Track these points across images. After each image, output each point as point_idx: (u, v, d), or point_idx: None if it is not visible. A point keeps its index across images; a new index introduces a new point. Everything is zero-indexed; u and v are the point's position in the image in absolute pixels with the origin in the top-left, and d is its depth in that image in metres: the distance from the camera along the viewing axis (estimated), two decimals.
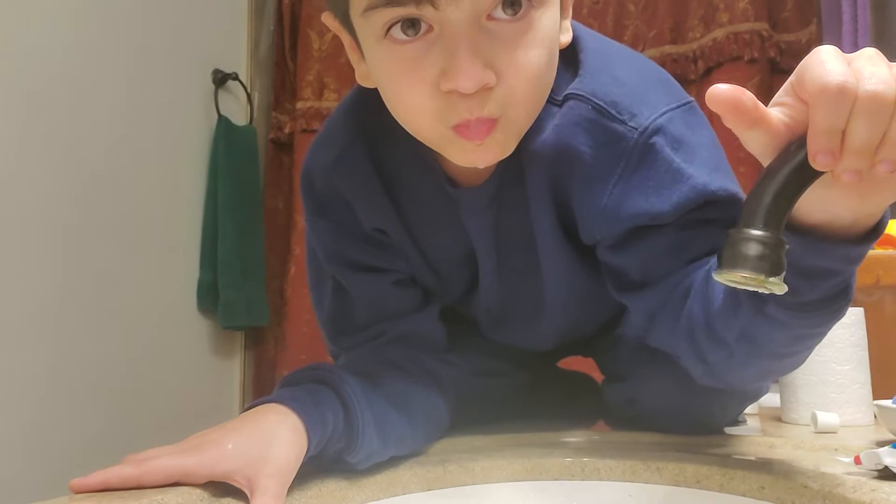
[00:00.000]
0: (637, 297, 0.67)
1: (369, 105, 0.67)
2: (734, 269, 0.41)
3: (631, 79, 0.65)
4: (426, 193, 0.71)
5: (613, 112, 0.63)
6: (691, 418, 0.76)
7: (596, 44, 0.68)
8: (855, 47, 1.49)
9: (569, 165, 0.65)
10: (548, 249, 0.71)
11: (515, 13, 0.54)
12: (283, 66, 2.23)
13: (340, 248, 0.76)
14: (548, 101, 0.62)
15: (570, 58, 0.66)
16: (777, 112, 0.43)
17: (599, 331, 0.87)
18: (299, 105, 2.15)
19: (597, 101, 0.63)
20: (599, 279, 0.71)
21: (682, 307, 0.63)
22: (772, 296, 0.51)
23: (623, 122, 0.63)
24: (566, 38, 0.62)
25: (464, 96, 0.53)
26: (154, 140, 1.79)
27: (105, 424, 1.57)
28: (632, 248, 0.65)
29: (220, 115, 1.98)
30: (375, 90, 0.62)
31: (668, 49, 1.88)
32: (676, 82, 0.69)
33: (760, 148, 0.43)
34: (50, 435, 1.45)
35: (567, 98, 0.65)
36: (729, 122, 0.43)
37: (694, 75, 1.82)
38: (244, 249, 1.97)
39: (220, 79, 2.01)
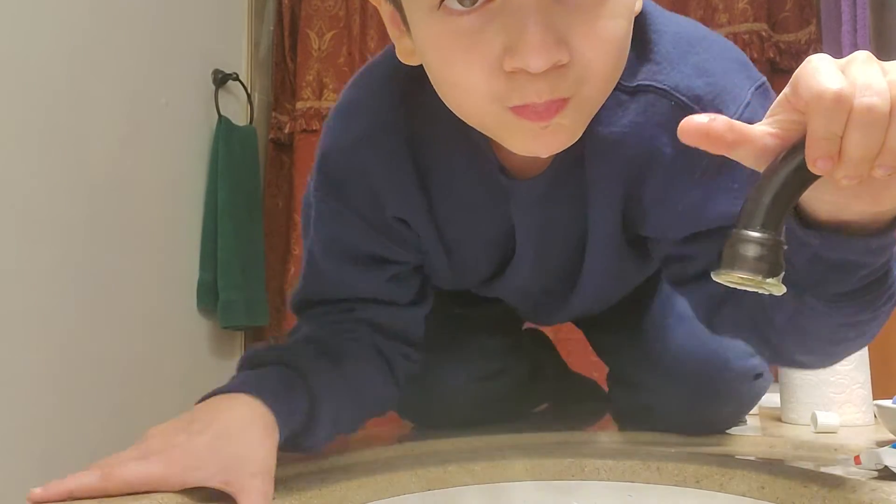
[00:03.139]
0: (701, 286, 0.63)
1: (408, 74, 0.59)
2: (732, 269, 0.42)
3: (712, 66, 0.60)
4: (468, 182, 0.65)
5: (698, 109, 0.57)
6: (704, 422, 0.78)
7: (670, 24, 0.62)
8: (854, 48, 1.49)
9: (646, 164, 0.61)
10: (599, 242, 0.67)
11: None
12: (283, 67, 2.23)
13: (345, 235, 0.69)
14: (616, 88, 0.55)
15: (638, 35, 0.59)
16: (765, 126, 0.42)
17: (611, 315, 0.86)
18: (299, 105, 2.15)
19: (680, 97, 0.58)
20: (641, 267, 0.69)
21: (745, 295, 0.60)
22: (808, 287, 0.50)
23: None
24: (639, 5, 0.56)
25: (532, 77, 0.46)
26: (154, 140, 1.79)
27: (104, 424, 1.57)
28: (706, 242, 0.61)
29: (220, 116, 1.98)
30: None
31: None
32: (748, 59, 0.64)
33: (752, 162, 0.43)
34: (49, 434, 1.46)
35: (643, 89, 0.59)
36: (708, 150, 0.42)
37: None
38: (244, 249, 1.97)
39: (221, 79, 2.01)
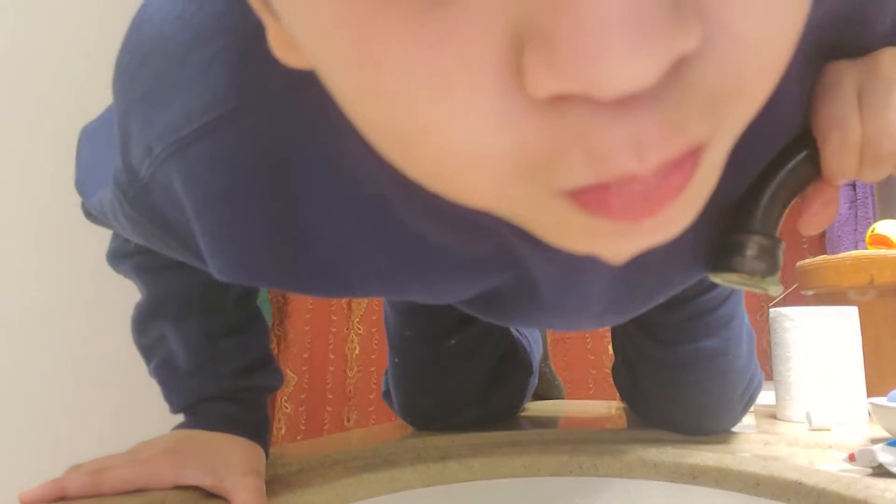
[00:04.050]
0: None
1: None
2: (729, 269, 0.42)
3: None
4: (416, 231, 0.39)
5: None
6: (704, 427, 0.78)
7: None
8: None
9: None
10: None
11: None
12: None
13: (156, 247, 0.51)
14: None
15: None
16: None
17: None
18: None
19: None
20: None
21: None
22: None
23: None
24: None
25: (620, 109, 0.18)
26: None
27: (104, 425, 1.57)
28: None
29: None
30: None
31: None
32: None
33: None
34: (48, 434, 1.46)
35: None
36: None
37: None
38: None
39: None
